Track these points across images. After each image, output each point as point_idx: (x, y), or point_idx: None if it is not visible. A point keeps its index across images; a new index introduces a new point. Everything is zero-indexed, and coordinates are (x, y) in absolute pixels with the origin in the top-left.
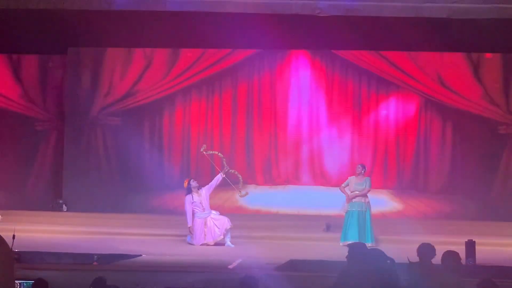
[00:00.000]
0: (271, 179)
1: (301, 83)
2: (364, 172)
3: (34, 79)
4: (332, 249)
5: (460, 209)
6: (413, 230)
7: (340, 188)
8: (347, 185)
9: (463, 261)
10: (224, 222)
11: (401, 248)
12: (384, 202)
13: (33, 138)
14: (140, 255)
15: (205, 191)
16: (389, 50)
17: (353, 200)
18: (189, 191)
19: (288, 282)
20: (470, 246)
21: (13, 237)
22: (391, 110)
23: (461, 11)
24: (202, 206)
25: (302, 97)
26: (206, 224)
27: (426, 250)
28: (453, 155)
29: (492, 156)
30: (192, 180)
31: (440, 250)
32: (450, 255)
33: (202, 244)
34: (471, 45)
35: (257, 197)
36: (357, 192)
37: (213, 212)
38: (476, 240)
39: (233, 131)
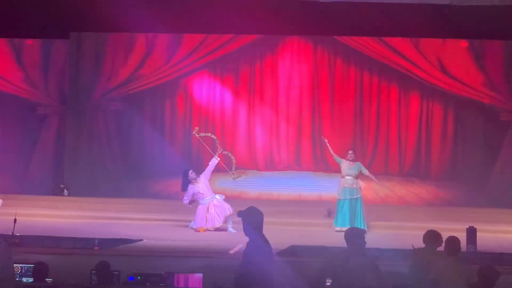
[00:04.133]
0: (272, 165)
1: (303, 69)
2: (354, 157)
3: (36, 63)
4: (334, 234)
5: (461, 196)
6: (414, 216)
7: (334, 157)
8: (340, 162)
9: (464, 247)
10: (224, 209)
11: (402, 235)
12: (385, 188)
13: (35, 123)
14: (141, 240)
15: (203, 178)
16: (392, 36)
17: (345, 186)
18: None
19: (289, 267)
20: (471, 232)
21: (15, 221)
22: (393, 96)
23: None
24: (202, 194)
25: (304, 83)
26: (209, 210)
27: (433, 237)
28: (455, 141)
29: (494, 142)
30: (190, 171)
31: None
32: (451, 241)
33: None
34: (473, 32)
35: (258, 182)
36: (350, 177)
37: (217, 196)
38: (477, 227)
39: (235, 117)
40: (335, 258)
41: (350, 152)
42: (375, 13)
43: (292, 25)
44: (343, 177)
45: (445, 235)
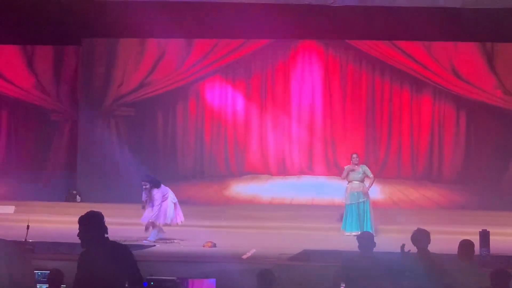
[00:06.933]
0: (285, 170)
1: (315, 74)
2: (358, 160)
3: (48, 70)
4: (346, 239)
5: (474, 199)
6: (427, 220)
7: (343, 178)
8: (346, 174)
9: (477, 251)
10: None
11: None
12: (398, 192)
13: (47, 129)
14: (154, 245)
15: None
16: (403, 40)
17: (352, 191)
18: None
19: (302, 272)
20: (485, 236)
21: (27, 227)
22: (405, 100)
23: (475, 0)
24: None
25: (315, 87)
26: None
27: (420, 236)
28: (467, 145)
29: (506, 146)
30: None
31: (454, 240)
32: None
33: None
34: (485, 34)
35: (271, 187)
36: (357, 182)
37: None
38: (491, 230)
39: (247, 121)
40: (349, 262)
41: (354, 155)
42: (386, 17)
43: (304, 29)
44: (349, 182)
45: (458, 239)
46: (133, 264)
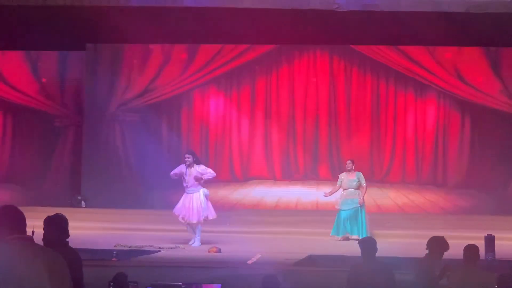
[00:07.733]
0: (289, 174)
1: (320, 79)
2: (354, 167)
3: (53, 75)
4: (351, 244)
5: (479, 204)
6: (432, 225)
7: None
8: (341, 183)
9: (483, 256)
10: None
11: (420, 243)
12: (402, 197)
13: (52, 135)
14: (159, 251)
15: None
16: (407, 44)
17: (347, 197)
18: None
19: (307, 277)
20: (490, 240)
21: (32, 233)
22: (409, 105)
23: (479, 5)
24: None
25: (320, 92)
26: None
27: (436, 245)
28: (472, 149)
29: (511, 150)
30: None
31: (459, 245)
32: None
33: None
34: (489, 39)
35: (276, 192)
36: (352, 189)
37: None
38: (496, 234)
39: (252, 127)
40: (357, 269)
41: (349, 162)
42: (390, 22)
43: (308, 34)
44: (344, 189)
45: (463, 243)
46: (81, 276)
